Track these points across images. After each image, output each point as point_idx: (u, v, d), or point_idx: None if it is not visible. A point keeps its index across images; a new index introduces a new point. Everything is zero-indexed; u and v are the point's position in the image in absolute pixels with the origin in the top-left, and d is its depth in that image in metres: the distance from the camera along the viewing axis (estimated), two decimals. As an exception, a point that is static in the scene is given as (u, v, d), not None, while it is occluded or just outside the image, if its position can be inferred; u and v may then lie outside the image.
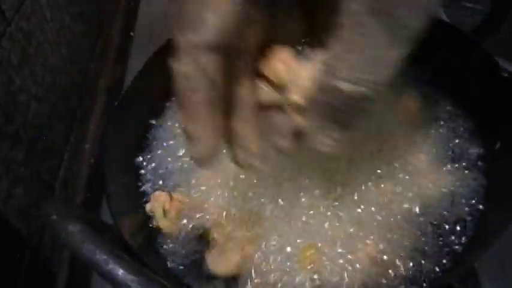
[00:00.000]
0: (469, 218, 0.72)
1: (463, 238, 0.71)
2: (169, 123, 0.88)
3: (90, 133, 1.05)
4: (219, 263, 0.71)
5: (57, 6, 1.00)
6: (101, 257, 0.53)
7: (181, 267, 0.73)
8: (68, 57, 1.03)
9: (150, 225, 0.76)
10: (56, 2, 1.00)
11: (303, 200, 0.74)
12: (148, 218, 0.76)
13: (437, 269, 0.69)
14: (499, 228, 0.65)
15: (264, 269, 0.70)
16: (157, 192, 0.78)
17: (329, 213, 0.73)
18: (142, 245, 0.71)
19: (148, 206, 0.77)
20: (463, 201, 0.74)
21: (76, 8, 1.09)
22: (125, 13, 1.24)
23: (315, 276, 0.68)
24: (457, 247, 0.70)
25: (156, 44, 0.85)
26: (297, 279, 0.68)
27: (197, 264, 0.73)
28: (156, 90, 0.87)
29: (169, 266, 0.73)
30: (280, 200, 0.75)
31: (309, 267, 0.69)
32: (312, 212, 0.73)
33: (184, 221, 0.76)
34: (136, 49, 1.15)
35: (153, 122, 0.88)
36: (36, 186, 0.88)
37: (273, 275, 0.69)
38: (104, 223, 0.65)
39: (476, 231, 0.71)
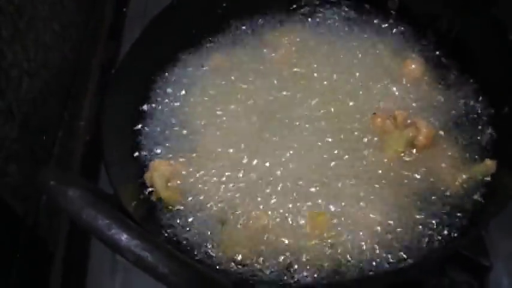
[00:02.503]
0: (476, 184, 0.71)
1: (472, 204, 0.70)
2: (168, 91, 0.86)
3: (84, 110, 1.02)
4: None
5: (48, -20, 0.98)
6: (103, 222, 0.50)
7: (184, 239, 0.71)
8: (60, 33, 1.01)
9: (152, 197, 0.74)
10: (47, -23, 0.97)
11: (313, 167, 0.74)
12: (148, 188, 0.74)
13: (445, 237, 0.68)
14: (506, 194, 0.65)
15: (277, 235, 0.69)
16: (156, 161, 0.76)
17: (338, 179, 0.72)
18: (143, 216, 0.69)
19: (147, 176, 0.74)
20: (471, 167, 0.72)
21: (68, -17, 1.06)
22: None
23: (326, 240, 0.68)
24: (465, 214, 0.69)
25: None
26: (308, 244, 0.68)
27: (201, 236, 0.71)
28: (155, 57, 0.86)
29: (171, 238, 0.71)
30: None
31: (319, 233, 0.68)
32: (322, 179, 0.73)
33: (187, 191, 0.74)
34: (130, 25, 1.12)
35: (153, 88, 0.87)
36: (30, 163, 0.86)
37: (285, 240, 0.68)
38: (103, 192, 0.62)
39: (484, 197, 0.70)
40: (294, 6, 0.95)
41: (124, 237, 0.50)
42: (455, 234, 0.68)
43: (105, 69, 1.08)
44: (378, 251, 0.67)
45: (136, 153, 0.79)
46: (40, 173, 0.56)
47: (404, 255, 0.66)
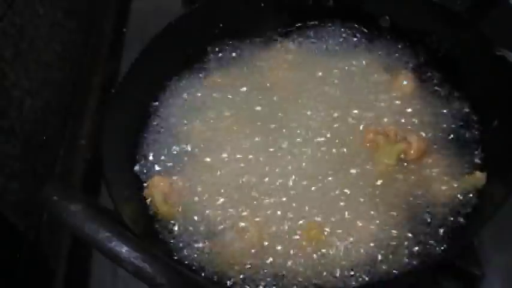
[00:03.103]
0: (467, 196, 0.72)
1: (462, 215, 0.71)
2: (167, 109, 0.88)
3: (85, 129, 1.04)
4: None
5: (49, 2, 1.00)
6: (103, 235, 0.52)
7: (183, 253, 0.72)
8: (61, 52, 1.03)
9: (150, 212, 0.75)
10: (48, -2, 1.00)
11: (307, 180, 0.75)
12: (147, 204, 0.76)
13: (437, 246, 0.69)
14: (495, 205, 0.66)
15: (271, 249, 0.70)
16: (155, 178, 0.77)
17: (331, 192, 0.74)
18: (143, 231, 0.70)
19: (146, 192, 0.76)
20: (462, 179, 0.74)
21: (68, 4, 1.09)
22: (117, 9, 1.24)
23: (320, 253, 0.69)
24: (455, 224, 0.70)
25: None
26: (302, 257, 0.69)
27: (199, 249, 0.72)
28: (153, 77, 0.88)
29: (170, 252, 0.72)
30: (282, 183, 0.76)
31: (313, 244, 0.69)
32: (315, 192, 0.74)
33: (185, 206, 0.75)
34: (129, 45, 1.14)
35: (152, 106, 0.88)
36: (32, 181, 0.88)
37: (279, 253, 0.70)
38: (104, 207, 0.64)
39: (474, 208, 0.71)
40: (288, 26, 0.98)
41: (124, 249, 0.52)
42: (447, 244, 0.69)
43: (105, 87, 1.09)
44: (370, 262, 0.68)
45: (136, 170, 0.81)
46: (43, 189, 0.58)
47: (397, 266, 0.67)
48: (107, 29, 1.20)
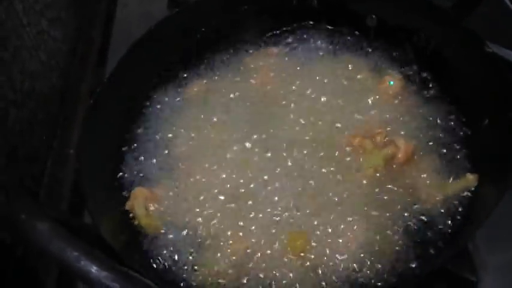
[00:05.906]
0: (458, 199, 0.70)
1: (454, 219, 0.69)
2: (148, 119, 0.87)
3: (74, 138, 1.02)
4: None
5: (33, 11, 0.99)
6: (72, 254, 0.51)
7: (166, 266, 0.70)
8: (47, 62, 1.02)
9: (132, 224, 0.74)
10: (32, 7, 0.98)
11: (293, 188, 0.74)
12: (130, 216, 0.74)
13: (429, 251, 0.67)
14: (488, 207, 0.63)
15: (257, 260, 0.69)
16: (136, 189, 0.76)
17: (318, 199, 0.72)
18: (125, 244, 0.69)
19: (129, 204, 0.74)
20: (452, 182, 0.72)
21: (54, 12, 1.07)
22: (105, 16, 1.22)
23: (307, 262, 0.67)
24: (447, 229, 0.69)
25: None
26: (289, 267, 0.68)
27: (182, 262, 0.70)
28: (133, 86, 0.86)
29: (153, 265, 0.71)
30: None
31: (300, 255, 0.68)
32: (301, 200, 0.72)
33: (167, 218, 0.74)
34: (115, 51, 1.11)
35: (134, 116, 0.87)
36: (19, 194, 0.86)
37: (265, 263, 0.68)
38: (80, 223, 0.62)
39: (467, 211, 0.69)
40: (271, 29, 0.96)
41: (94, 269, 0.50)
42: (440, 249, 0.67)
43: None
44: (360, 270, 0.66)
45: (119, 181, 0.79)
46: (11, 205, 0.56)
47: (387, 274, 0.66)
48: (95, 35, 1.19)
